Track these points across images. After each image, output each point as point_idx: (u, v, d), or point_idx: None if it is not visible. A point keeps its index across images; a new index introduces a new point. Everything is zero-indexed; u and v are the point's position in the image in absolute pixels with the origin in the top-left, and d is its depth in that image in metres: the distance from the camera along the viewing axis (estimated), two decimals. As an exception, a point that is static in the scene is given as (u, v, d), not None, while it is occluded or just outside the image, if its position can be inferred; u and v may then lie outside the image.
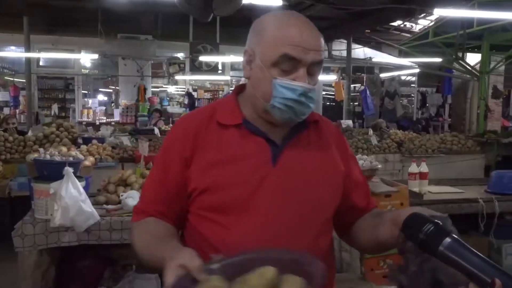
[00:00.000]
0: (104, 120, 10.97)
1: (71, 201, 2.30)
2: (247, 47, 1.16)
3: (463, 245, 0.78)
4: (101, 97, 14.41)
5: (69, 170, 2.35)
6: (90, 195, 2.72)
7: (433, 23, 9.66)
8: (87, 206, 2.39)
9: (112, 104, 13.15)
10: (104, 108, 12.40)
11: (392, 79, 12.19)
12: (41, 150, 2.87)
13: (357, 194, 1.27)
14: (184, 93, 13.71)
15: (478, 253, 0.77)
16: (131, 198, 2.64)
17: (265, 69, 1.10)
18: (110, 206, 2.66)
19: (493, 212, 3.16)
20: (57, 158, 2.59)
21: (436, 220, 0.83)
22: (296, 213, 1.12)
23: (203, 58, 8.73)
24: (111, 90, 14.40)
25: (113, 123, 10.04)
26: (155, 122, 9.61)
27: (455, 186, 3.74)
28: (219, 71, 9.90)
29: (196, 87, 14.92)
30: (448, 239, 0.79)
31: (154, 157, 1.27)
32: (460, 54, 9.48)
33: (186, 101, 12.93)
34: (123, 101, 10.87)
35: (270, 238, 1.09)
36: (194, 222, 1.17)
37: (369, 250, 1.33)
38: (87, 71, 13.79)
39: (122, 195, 2.70)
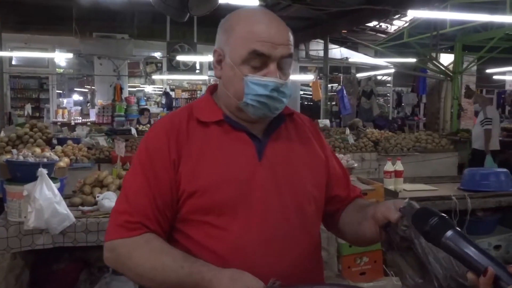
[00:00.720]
0: (80, 120, 10.79)
1: (45, 203, 2.25)
2: (216, 47, 1.16)
3: (464, 237, 0.84)
4: (76, 97, 14.17)
5: (43, 171, 2.30)
6: (65, 197, 2.68)
7: (407, 24, 9.84)
8: (62, 207, 2.35)
9: (88, 104, 12.95)
10: (79, 108, 12.19)
11: (369, 79, 12.35)
12: (14, 151, 2.80)
13: (336, 183, 1.28)
14: (161, 92, 13.59)
15: (477, 245, 0.83)
16: (108, 199, 2.61)
17: (235, 67, 1.10)
18: (86, 208, 2.62)
19: (465, 209, 3.23)
20: (31, 159, 2.54)
21: (442, 214, 0.88)
22: (290, 206, 1.13)
23: (180, 58, 8.66)
24: (86, 90, 14.17)
25: (89, 123, 9.88)
26: (147, 121, 9.59)
27: (429, 183, 3.82)
28: (197, 71, 9.85)
29: (174, 86, 14.80)
30: (450, 231, 0.84)
31: (133, 161, 1.17)
32: (433, 55, 9.69)
33: (163, 101, 12.83)
34: (99, 101, 10.71)
35: (268, 234, 1.09)
36: (182, 228, 1.13)
37: (357, 244, 1.34)
38: (61, 70, 13.53)
39: (98, 196, 2.66)
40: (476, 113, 7.82)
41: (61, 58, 12.32)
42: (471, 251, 0.81)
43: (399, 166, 3.39)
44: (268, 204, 1.10)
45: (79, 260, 2.75)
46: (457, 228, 0.86)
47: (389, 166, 3.41)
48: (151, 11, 5.47)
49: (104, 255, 1.13)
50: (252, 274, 0.97)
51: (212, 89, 1.24)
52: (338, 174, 1.30)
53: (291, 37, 1.14)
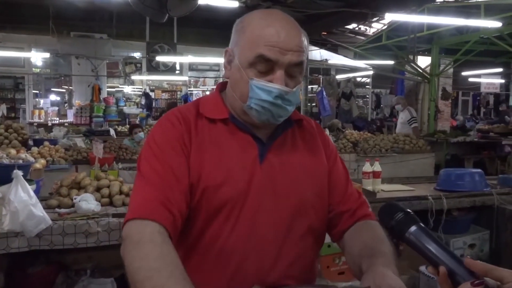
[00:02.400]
0: (57, 121, 10.59)
1: (20, 205, 2.21)
2: (228, 47, 1.15)
3: (426, 233, 0.86)
4: (53, 97, 13.90)
5: (18, 173, 2.26)
6: (42, 199, 2.64)
7: (385, 26, 9.98)
8: (38, 210, 2.31)
9: (65, 104, 12.72)
10: (56, 108, 11.96)
11: (348, 80, 12.48)
12: (-12, 152, 2.74)
13: (334, 192, 1.23)
14: (141, 93, 13.46)
15: (439, 241, 0.85)
16: (85, 201, 2.58)
17: (242, 70, 1.08)
18: (62, 210, 2.58)
19: (441, 208, 3.29)
20: (5, 161, 2.49)
21: (407, 210, 0.90)
22: (284, 212, 1.11)
23: (160, 58, 8.61)
24: (64, 90, 13.91)
25: (66, 124, 9.72)
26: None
27: (406, 184, 3.88)
28: (177, 71, 9.80)
29: (154, 87, 14.69)
30: (414, 227, 0.87)
31: (144, 152, 1.12)
32: (411, 57, 9.85)
33: (143, 102, 12.71)
34: (77, 102, 10.54)
35: (260, 237, 1.08)
36: None
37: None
38: (38, 70, 13.28)
39: (75, 198, 2.62)
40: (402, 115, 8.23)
41: (38, 57, 12.09)
42: (432, 246, 0.84)
43: (377, 167, 3.43)
44: (259, 208, 1.09)
45: (55, 263, 2.71)
46: (421, 224, 0.88)
47: (367, 167, 3.45)
48: (130, 11, 5.41)
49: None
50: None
51: (221, 87, 1.23)
52: (339, 182, 1.25)
53: (304, 44, 1.09)
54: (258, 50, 1.05)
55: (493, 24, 7.21)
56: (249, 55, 1.06)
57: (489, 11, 7.35)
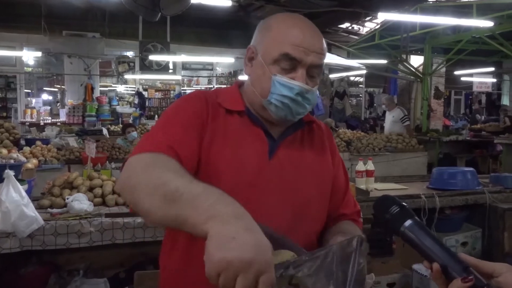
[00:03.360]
0: (49, 121, 10.53)
1: (12, 205, 2.20)
2: (250, 45, 1.19)
3: (422, 227, 0.86)
4: (45, 97, 13.79)
5: (9, 173, 2.25)
6: (34, 199, 2.63)
7: (379, 26, 10.01)
8: (30, 210, 2.29)
9: (58, 103, 12.64)
10: (49, 108, 11.89)
11: (341, 79, 12.51)
12: (-21, 152, 2.72)
13: (334, 198, 1.27)
14: (134, 92, 13.40)
15: (434, 235, 0.85)
16: (78, 201, 2.56)
17: (265, 66, 1.12)
18: (55, 210, 2.56)
19: (434, 207, 3.31)
20: (-3, 161, 2.47)
21: (402, 203, 0.89)
22: (289, 207, 1.13)
23: (153, 57, 8.58)
24: (56, 89, 13.82)
25: (58, 123, 9.66)
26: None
27: (399, 182, 3.90)
28: (170, 71, 9.78)
29: (147, 86, 14.61)
30: (409, 221, 0.86)
31: (169, 108, 1.17)
32: (404, 56, 9.89)
33: (136, 101, 12.65)
34: (69, 101, 10.48)
35: None
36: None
37: None
38: (30, 69, 13.18)
39: (68, 198, 2.61)
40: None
41: (29, 56, 11.99)
42: (426, 241, 0.84)
43: (370, 166, 3.45)
44: (263, 202, 1.10)
45: (48, 263, 2.69)
46: (417, 218, 0.88)
47: (360, 166, 3.46)
48: (123, 10, 5.40)
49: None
50: None
51: (239, 84, 1.26)
52: (338, 189, 1.28)
53: (325, 48, 1.16)
54: (284, 48, 1.10)
55: (485, 23, 7.26)
56: (274, 52, 1.11)
57: (481, 11, 7.39)
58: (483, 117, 13.44)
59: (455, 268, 0.79)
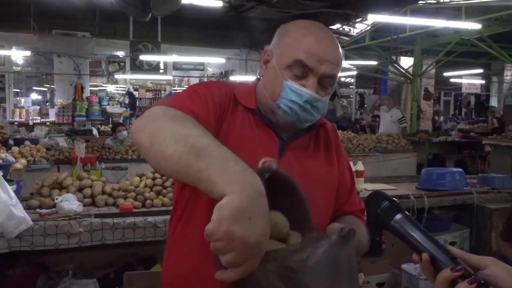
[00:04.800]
0: (38, 120, 10.43)
1: (0, 205, 2.18)
2: (267, 47, 1.20)
3: (411, 221, 0.87)
4: (34, 96, 13.69)
5: (-2, 173, 2.22)
6: (22, 199, 2.61)
7: (369, 27, 10.07)
8: (19, 210, 2.27)
9: (47, 103, 12.54)
10: (38, 107, 11.79)
11: (332, 80, 12.54)
12: (-33, 152, 2.69)
13: (339, 197, 1.28)
14: (124, 92, 13.34)
15: (423, 229, 0.86)
16: (67, 201, 2.55)
17: (278, 70, 1.13)
18: (44, 210, 2.55)
19: (423, 207, 3.35)
20: (-15, 161, 2.44)
21: (393, 198, 0.92)
22: None
23: (144, 57, 8.55)
24: (45, 89, 13.71)
25: (48, 123, 9.58)
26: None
27: (389, 183, 3.93)
28: (161, 71, 9.74)
29: (137, 86, 14.56)
30: (399, 215, 0.88)
31: (193, 86, 1.16)
32: (394, 58, 9.95)
33: (126, 101, 12.59)
34: (59, 100, 10.40)
35: None
36: (189, 207, 1.13)
37: None
38: (19, 68, 13.06)
39: (57, 199, 2.59)
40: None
41: (18, 55, 11.89)
42: (416, 234, 0.85)
43: (360, 166, 3.47)
44: None
45: (36, 264, 2.67)
46: (406, 212, 0.89)
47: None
48: (114, 9, 5.37)
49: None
50: None
51: (256, 81, 1.25)
52: (344, 189, 1.30)
53: (341, 59, 1.15)
54: (297, 55, 1.09)
55: (473, 26, 7.33)
56: (287, 58, 1.11)
57: (469, 13, 7.46)
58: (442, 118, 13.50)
59: (443, 259, 0.80)
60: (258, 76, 1.25)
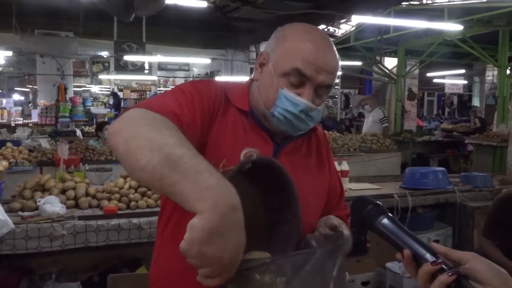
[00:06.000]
0: (21, 122, 10.28)
1: (-20, 209, 2.14)
2: (264, 50, 1.17)
3: (394, 222, 0.91)
4: (17, 97, 13.51)
5: (-22, 175, 2.19)
6: (4, 202, 2.57)
7: (354, 28, 10.15)
8: (0, 213, 2.24)
9: (30, 104, 12.37)
10: (20, 108, 11.62)
11: (317, 81, 12.60)
12: None
13: (328, 202, 1.29)
14: (109, 93, 13.22)
15: (406, 229, 0.89)
16: (50, 203, 2.51)
17: (274, 77, 1.10)
18: (26, 213, 2.51)
19: (406, 206, 3.39)
20: (-35, 163, 2.40)
21: (377, 202, 0.95)
22: None
23: (128, 58, 8.47)
24: (28, 90, 13.53)
25: (30, 124, 9.44)
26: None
27: (373, 182, 3.96)
28: (146, 71, 9.67)
29: (122, 87, 14.46)
30: (383, 216, 0.92)
31: (180, 86, 1.12)
32: (378, 58, 10.05)
33: (111, 101, 12.50)
34: (41, 101, 10.25)
35: None
36: (179, 209, 1.10)
37: None
38: (0, 69, 12.85)
39: (39, 201, 2.55)
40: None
41: (0, 56, 11.69)
42: (399, 233, 0.88)
43: (345, 166, 3.49)
44: None
45: (19, 268, 2.63)
46: (390, 214, 0.93)
47: (335, 166, 3.50)
48: (98, 9, 5.31)
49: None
50: None
51: (250, 82, 1.22)
52: (334, 194, 1.31)
53: (338, 67, 1.13)
54: (296, 63, 1.07)
55: (455, 27, 7.45)
56: (285, 65, 1.08)
57: (452, 15, 7.58)
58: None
59: (424, 255, 0.83)
60: (252, 78, 1.22)
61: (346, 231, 1.05)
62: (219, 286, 0.78)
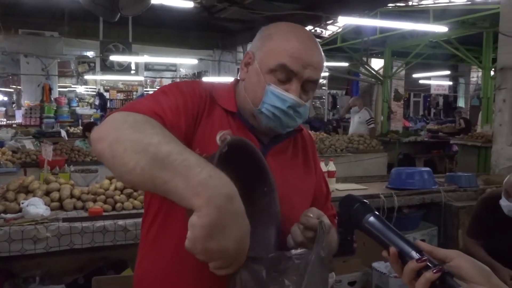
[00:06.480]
0: (4, 122, 10.13)
1: (-38, 211, 2.10)
2: (249, 50, 1.17)
3: (381, 220, 0.91)
4: (0, 97, 13.28)
5: (-41, 177, 2.14)
6: (-14, 204, 2.51)
7: (340, 29, 10.21)
8: (-18, 216, 2.20)
9: (14, 105, 12.19)
10: (3, 109, 11.45)
11: (305, 81, 12.65)
12: None
13: (315, 204, 1.26)
14: (94, 93, 13.10)
15: (392, 227, 0.90)
16: (33, 205, 2.48)
17: (261, 74, 1.10)
18: (8, 215, 2.47)
19: (392, 206, 3.41)
20: None
21: (363, 200, 0.96)
22: None
23: (114, 58, 8.40)
24: (12, 90, 13.33)
25: (14, 125, 9.31)
26: None
27: (360, 183, 3.98)
28: (132, 71, 9.60)
29: (108, 87, 14.32)
30: (370, 216, 0.92)
31: (163, 88, 1.11)
32: (365, 59, 10.13)
33: (97, 102, 12.37)
34: (26, 102, 10.10)
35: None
36: (164, 209, 1.09)
37: None
38: (-17, 68, 12.64)
39: (23, 203, 2.51)
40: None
41: (-17, 55, 11.50)
42: (385, 231, 0.89)
43: (331, 167, 3.50)
44: None
45: (2, 271, 2.58)
46: (376, 212, 0.94)
47: (322, 167, 3.51)
48: (83, 9, 5.25)
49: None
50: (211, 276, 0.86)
51: (235, 82, 1.22)
52: (321, 195, 1.31)
53: (323, 64, 1.14)
54: (282, 59, 1.07)
55: (440, 28, 7.54)
56: (271, 62, 1.09)
57: (437, 17, 7.67)
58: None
59: (410, 252, 0.83)
60: (238, 78, 1.22)
61: (326, 219, 1.04)
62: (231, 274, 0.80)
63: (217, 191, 0.72)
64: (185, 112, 1.06)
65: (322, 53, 1.15)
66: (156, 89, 1.14)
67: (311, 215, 1.03)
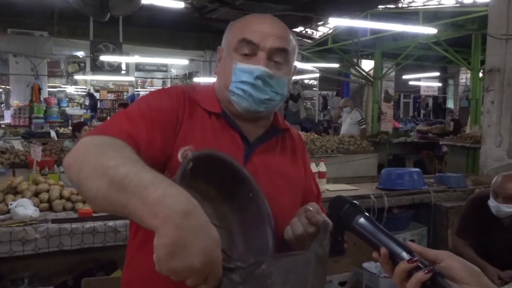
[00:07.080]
0: (-7, 123, 10.02)
1: (-51, 212, 2.07)
2: (219, 46, 1.19)
3: (371, 221, 0.91)
4: (-12, 97, 13.13)
5: None
6: (-27, 205, 2.48)
7: (331, 30, 10.24)
8: (-31, 217, 2.17)
9: (2, 105, 12.06)
10: (-8, 109, 11.32)
11: (296, 82, 12.69)
12: None
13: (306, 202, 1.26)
14: (85, 93, 13.01)
15: (382, 228, 0.90)
16: (22, 206, 2.45)
17: (227, 58, 1.12)
18: (-3, 217, 2.44)
19: (383, 206, 3.43)
20: None
21: (353, 201, 0.96)
22: None
23: (104, 58, 8.35)
24: (0, 90, 13.18)
25: (3, 125, 9.21)
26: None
27: (350, 183, 4.00)
28: (123, 72, 9.55)
29: (99, 87, 14.25)
30: (360, 217, 0.92)
31: (138, 102, 1.12)
32: (355, 61, 10.17)
33: (87, 102, 12.29)
34: (15, 102, 10.00)
35: None
36: None
37: None
38: (-29, 68, 12.49)
39: (11, 204, 2.49)
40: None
41: (-29, 55, 11.37)
42: (375, 232, 0.89)
43: (322, 167, 3.52)
44: None
45: (-11, 273, 2.56)
46: (366, 214, 0.94)
47: (312, 167, 3.52)
48: (73, 8, 5.22)
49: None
50: None
51: (215, 84, 1.22)
52: (311, 195, 1.29)
53: (289, 35, 1.14)
54: (242, 34, 1.10)
55: (429, 30, 7.60)
56: (233, 41, 1.11)
57: (426, 19, 7.74)
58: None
59: (400, 253, 0.84)
60: (215, 73, 1.23)
61: (325, 217, 1.03)
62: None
63: (172, 208, 0.71)
64: (161, 124, 1.04)
65: (286, 27, 1.15)
66: (147, 89, 1.14)
67: (312, 209, 1.03)
